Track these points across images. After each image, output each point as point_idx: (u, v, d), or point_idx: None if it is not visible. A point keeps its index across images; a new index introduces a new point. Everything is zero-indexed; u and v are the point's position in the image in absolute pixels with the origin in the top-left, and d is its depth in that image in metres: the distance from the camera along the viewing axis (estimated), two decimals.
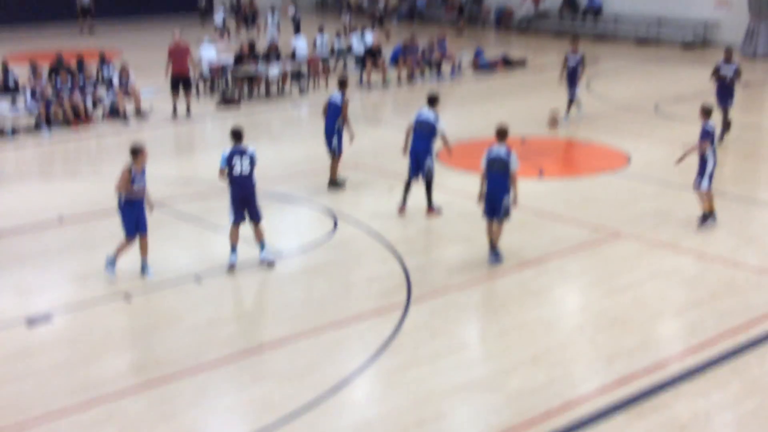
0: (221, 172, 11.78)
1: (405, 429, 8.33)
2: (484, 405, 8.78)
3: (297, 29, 27.84)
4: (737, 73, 17.76)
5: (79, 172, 16.88)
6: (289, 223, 14.28)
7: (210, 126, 21.49)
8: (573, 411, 8.60)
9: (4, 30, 35.45)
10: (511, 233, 13.19)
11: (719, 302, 11.06)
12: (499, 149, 11.96)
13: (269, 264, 12.10)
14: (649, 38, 33.23)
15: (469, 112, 21.90)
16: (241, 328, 10.61)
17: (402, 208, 14.34)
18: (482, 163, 12.09)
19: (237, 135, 11.93)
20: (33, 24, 36.20)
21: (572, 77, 20.33)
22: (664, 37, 32.91)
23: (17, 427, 8.43)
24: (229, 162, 11.70)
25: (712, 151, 13.18)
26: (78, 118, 20.68)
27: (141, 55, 24.80)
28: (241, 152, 11.76)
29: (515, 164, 11.96)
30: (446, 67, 27.13)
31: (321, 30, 27.98)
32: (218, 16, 35.05)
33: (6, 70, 21.62)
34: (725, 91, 17.66)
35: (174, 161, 18.38)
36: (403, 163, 16.76)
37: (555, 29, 35.70)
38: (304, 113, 22.78)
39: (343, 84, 15.57)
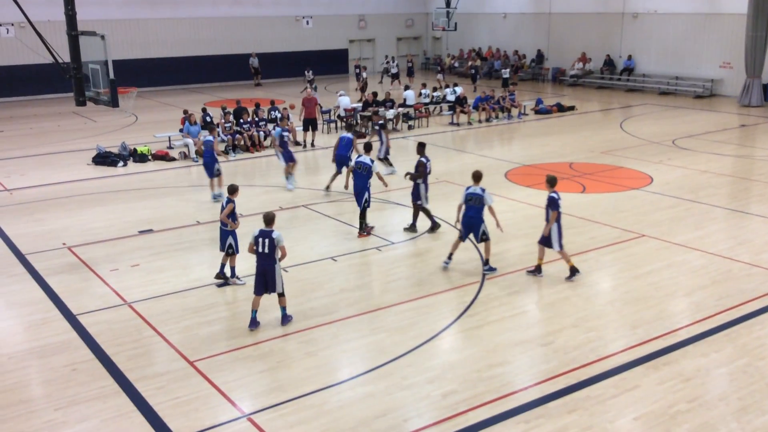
0: (250, 246, 9.46)
1: (478, 371, 8.34)
2: (537, 356, 8.69)
3: (406, 87, 27.86)
4: (417, 167, 12.94)
5: (253, 183, 17.42)
6: (400, 222, 14.27)
7: None
8: (604, 363, 8.45)
9: (203, 86, 36.83)
10: None
11: (718, 287, 10.64)
12: (475, 188, 11.05)
13: (285, 323, 9.71)
14: (669, 91, 31.97)
15: (531, 144, 21.58)
16: (362, 294, 10.75)
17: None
18: (461, 198, 11.18)
19: (267, 221, 9.50)
20: (221, 81, 37.54)
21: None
22: (681, 90, 31.62)
23: (210, 357, 8.82)
24: (255, 241, 9.38)
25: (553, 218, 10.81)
26: (254, 145, 21.35)
27: (295, 101, 25.30)
28: (265, 234, 9.34)
29: (490, 199, 10.98)
30: (515, 111, 26.79)
31: (424, 85, 28.04)
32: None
33: (206, 112, 22.43)
34: (416, 191, 13.12)
35: (318, 177, 18.75)
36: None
37: (598, 84, 34.76)
38: (410, 143, 22.88)
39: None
